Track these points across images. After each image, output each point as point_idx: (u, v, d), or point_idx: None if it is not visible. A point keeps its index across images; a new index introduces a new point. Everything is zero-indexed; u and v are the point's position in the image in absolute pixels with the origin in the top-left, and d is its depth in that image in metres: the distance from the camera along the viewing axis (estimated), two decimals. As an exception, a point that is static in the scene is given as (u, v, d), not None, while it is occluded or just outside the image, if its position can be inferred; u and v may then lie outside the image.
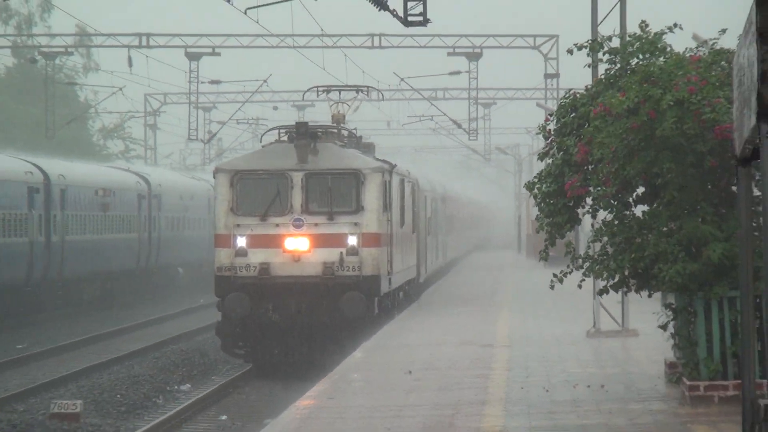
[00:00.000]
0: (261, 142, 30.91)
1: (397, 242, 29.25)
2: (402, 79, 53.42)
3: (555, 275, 16.80)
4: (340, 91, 31.71)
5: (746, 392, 5.73)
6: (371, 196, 25.31)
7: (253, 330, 24.66)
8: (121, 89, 57.99)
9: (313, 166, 25.10)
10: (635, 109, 14.34)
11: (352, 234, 24.88)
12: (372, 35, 48.20)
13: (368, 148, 30.37)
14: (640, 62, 15.79)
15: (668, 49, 15.95)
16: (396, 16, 23.87)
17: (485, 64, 53.89)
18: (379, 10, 23.79)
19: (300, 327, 24.42)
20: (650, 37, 16.05)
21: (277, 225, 24.91)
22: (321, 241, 24.82)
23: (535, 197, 16.86)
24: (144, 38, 49.46)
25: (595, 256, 16.26)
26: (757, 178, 7.47)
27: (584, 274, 16.79)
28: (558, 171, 16.19)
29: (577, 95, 16.90)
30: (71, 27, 60.01)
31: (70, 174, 42.85)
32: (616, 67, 16.46)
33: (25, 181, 38.50)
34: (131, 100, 62.88)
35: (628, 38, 16.83)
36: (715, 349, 14.96)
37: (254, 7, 29.37)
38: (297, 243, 24.76)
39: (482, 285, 44.93)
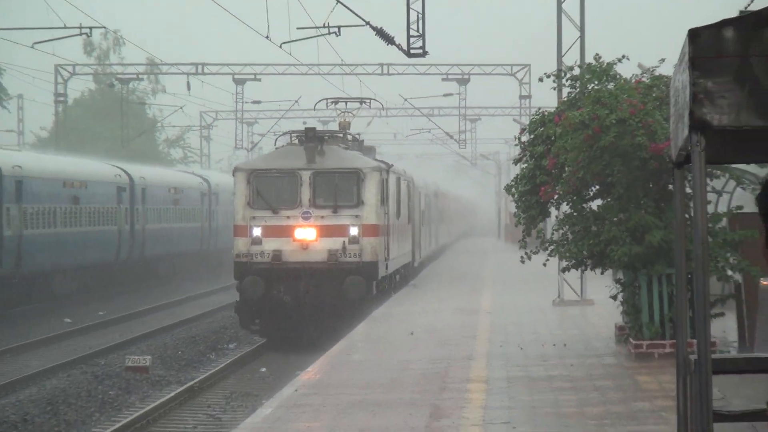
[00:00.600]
0: (275, 145, 29.94)
1: (393, 232, 27.99)
2: (405, 100, 53.21)
3: (525, 253, 16.89)
4: (346, 102, 30.42)
5: (680, 350, 5.68)
6: (370, 192, 24.02)
7: (266, 309, 23.24)
8: (181, 107, 57.82)
9: (319, 166, 23.82)
10: (586, 123, 14.34)
11: (353, 225, 23.64)
12: (382, 64, 47.76)
13: (369, 151, 29.17)
14: (595, 87, 15.71)
15: (617, 76, 15.87)
16: (401, 49, 23.90)
17: (472, 87, 53.57)
18: (388, 44, 23.85)
19: (308, 306, 23.17)
20: (603, 67, 15.98)
21: (288, 217, 23.51)
22: (326, 232, 23.53)
23: (513, 196, 16.89)
24: (200, 67, 49.40)
25: (560, 241, 16.28)
26: (689, 178, 7.42)
27: (550, 255, 16.87)
28: (531, 174, 16.23)
29: (545, 113, 16.93)
30: (142, 58, 59.98)
31: (148, 176, 43.28)
32: (576, 91, 16.44)
33: (114, 182, 38.93)
34: (189, 116, 62.79)
35: (585, 67, 16.89)
36: (655, 315, 14.96)
37: (288, 42, 29.18)
38: (305, 233, 23.51)
39: (469, 266, 44.27)
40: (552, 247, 16.38)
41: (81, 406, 17.14)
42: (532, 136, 16.60)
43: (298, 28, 27.74)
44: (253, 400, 16.89)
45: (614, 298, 16.31)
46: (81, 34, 32.01)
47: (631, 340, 15.38)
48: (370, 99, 31.05)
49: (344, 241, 23.33)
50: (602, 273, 17.36)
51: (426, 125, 60.50)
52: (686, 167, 5.58)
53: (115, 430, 14.86)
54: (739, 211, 14.89)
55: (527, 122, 21.99)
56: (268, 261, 23.03)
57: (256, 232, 23.25)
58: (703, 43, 4.66)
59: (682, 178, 5.93)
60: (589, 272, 18.76)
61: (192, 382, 18.96)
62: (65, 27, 30.13)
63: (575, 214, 15.87)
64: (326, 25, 26.29)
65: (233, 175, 24.43)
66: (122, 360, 21.22)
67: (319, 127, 34.62)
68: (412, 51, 23.92)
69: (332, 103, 30.38)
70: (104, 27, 36.28)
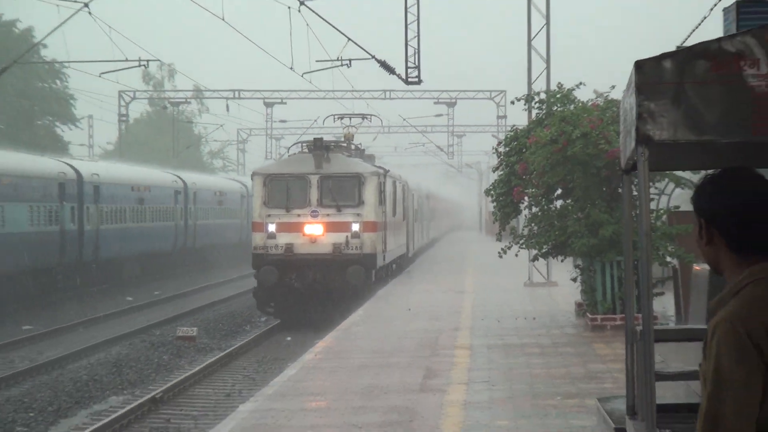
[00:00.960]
0: (288, 152, 28.39)
1: (390, 228, 26.50)
2: (404, 119, 52.88)
3: (502, 248, 16.89)
4: (350, 117, 28.80)
5: (628, 322, 5.55)
6: (369, 193, 22.68)
7: (280, 294, 21.86)
8: (221, 125, 57.46)
9: (326, 171, 22.43)
10: (555, 139, 14.24)
11: (355, 222, 22.26)
12: (384, 90, 47.50)
13: (370, 158, 27.80)
14: (558, 109, 15.62)
15: (576, 99, 15.79)
16: (401, 78, 23.59)
17: (458, 109, 53.14)
18: (390, 74, 23.55)
19: (316, 292, 22.01)
20: (564, 92, 15.93)
21: (299, 215, 22.04)
22: (331, 227, 22.08)
23: (491, 197, 16.81)
24: (236, 92, 49.13)
25: (528, 236, 16.20)
26: (635, 182, 7.34)
27: (520, 247, 16.84)
28: (506, 179, 16.13)
29: (518, 130, 16.89)
30: (190, 84, 59.53)
31: (198, 182, 43.00)
32: (543, 112, 16.36)
33: (172, 186, 38.69)
34: (228, 132, 62.22)
35: (550, 93, 16.81)
36: (608, 294, 14.84)
37: (308, 72, 28.77)
38: (313, 229, 22.08)
39: (455, 254, 43.54)
40: (522, 241, 16.37)
41: (140, 368, 17.09)
42: (507, 149, 16.53)
43: (317, 61, 27.44)
44: (281, 364, 16.70)
45: (574, 280, 16.25)
46: (140, 65, 31.75)
47: (588, 314, 15.27)
48: (371, 115, 29.61)
49: (347, 236, 22.06)
50: (562, 261, 17.35)
51: (420, 140, 60.08)
52: (633, 174, 5.43)
53: (168, 387, 14.76)
54: (676, 209, 14.84)
55: (503, 137, 21.87)
56: (281, 253, 21.69)
57: (271, 227, 21.88)
58: (647, 73, 4.46)
59: (629, 183, 5.78)
60: (553, 259, 18.76)
61: (230, 349, 18.84)
62: (127, 60, 29.92)
63: (540, 213, 15.85)
64: (339, 58, 25.95)
65: (251, 178, 23.12)
66: (173, 331, 21.11)
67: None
68: (409, 80, 23.62)
69: (338, 118, 28.98)
70: (159, 60, 35.95)
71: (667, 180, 15.19)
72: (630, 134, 4.65)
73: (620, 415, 5.38)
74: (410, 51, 23.34)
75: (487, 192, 17.51)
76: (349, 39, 23.33)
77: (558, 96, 15.94)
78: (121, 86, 43.21)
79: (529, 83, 22.47)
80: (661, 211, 15.02)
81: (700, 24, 17.00)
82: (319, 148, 22.62)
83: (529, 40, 23.18)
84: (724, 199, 2.63)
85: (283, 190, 22.20)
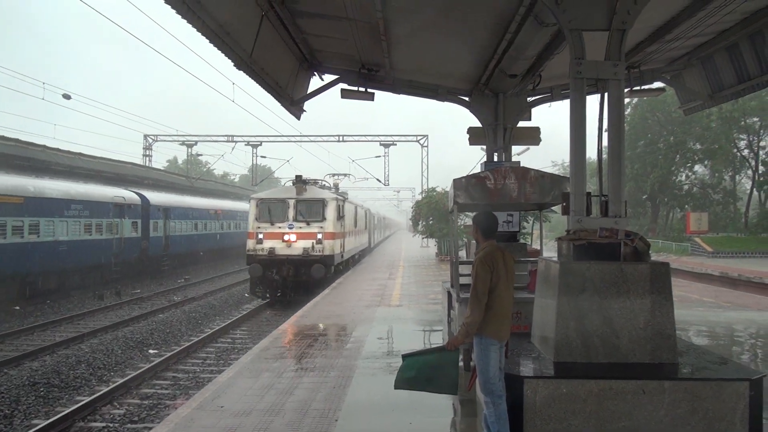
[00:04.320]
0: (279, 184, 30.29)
1: (349, 235, 27.42)
2: (353, 161, 52.52)
3: (413, 236, 30.21)
4: (337, 175, 33.54)
5: (452, 259, 9.32)
6: (330, 212, 23.08)
7: (265, 283, 22.35)
8: (222, 155, 57.48)
9: (300, 197, 23.13)
10: (428, 203, 27.00)
11: (319, 233, 22.66)
12: (339, 135, 47.33)
13: (342, 194, 28.21)
14: (430, 193, 30.91)
15: (434, 192, 31.70)
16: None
17: (393, 150, 56.85)
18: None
19: (290, 283, 22.43)
20: (430, 191, 31.39)
21: (280, 227, 22.60)
22: (303, 236, 22.62)
23: (411, 218, 28.58)
24: (231, 137, 49.04)
25: (422, 231, 30.84)
26: (454, 215, 9.31)
27: (423, 237, 30.93)
28: (416, 213, 29.38)
29: (419, 201, 33.90)
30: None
31: (224, 206, 43.72)
32: (426, 195, 30.98)
33: (212, 207, 40.72)
34: (227, 162, 62.85)
35: (429, 190, 34.94)
36: (444, 249, 32.85)
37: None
38: (290, 237, 22.52)
39: (395, 247, 51.88)
40: (419, 233, 30.61)
41: (206, 316, 19.88)
42: (415, 204, 31.46)
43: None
44: (270, 327, 17.49)
45: (439, 249, 29.41)
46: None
47: (439, 255, 30.06)
48: (348, 174, 36.17)
49: (313, 242, 22.54)
50: (433, 239, 33.57)
51: (366, 174, 64.18)
52: (454, 211, 8.92)
53: (206, 336, 16.24)
54: (468, 225, 16.58)
55: (429, 174, 35.37)
56: (266, 254, 22.19)
57: (260, 235, 22.47)
58: (456, 181, 8.25)
59: (456, 216, 9.09)
60: (428, 238, 34.76)
61: (233, 319, 19.21)
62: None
63: (425, 225, 30.82)
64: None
65: (249, 202, 23.69)
66: (210, 301, 23.15)
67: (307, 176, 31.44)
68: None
69: (332, 176, 32.73)
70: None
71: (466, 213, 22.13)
72: (452, 200, 8.57)
73: (448, 288, 9.85)
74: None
75: (412, 218, 29.93)
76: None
77: (432, 193, 33.83)
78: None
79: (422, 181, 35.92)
80: (463, 229, 19.22)
81: (474, 167, 29.17)
82: (299, 182, 23.87)
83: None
84: (480, 217, 5.91)
85: (269, 209, 22.88)
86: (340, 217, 24.62)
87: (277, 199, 23.12)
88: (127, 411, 10.67)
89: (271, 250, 22.26)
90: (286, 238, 22.50)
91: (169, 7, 8.04)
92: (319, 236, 22.58)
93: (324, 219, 22.94)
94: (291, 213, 22.85)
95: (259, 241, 22.43)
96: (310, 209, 23.03)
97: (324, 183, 27.35)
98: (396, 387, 5.90)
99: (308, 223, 22.77)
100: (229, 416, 7.55)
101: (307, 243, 22.53)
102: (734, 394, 5.62)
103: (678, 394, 5.64)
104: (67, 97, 33.41)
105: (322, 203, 23.18)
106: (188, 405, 8.08)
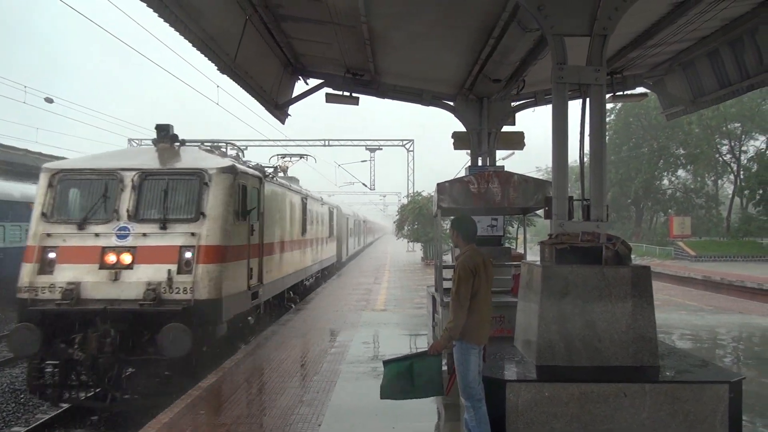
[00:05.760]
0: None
1: (287, 249, 18.15)
2: (339, 165, 52.84)
3: (398, 239, 28.57)
4: (290, 156, 22.62)
5: (436, 263, 10.27)
6: (217, 200, 10.71)
7: (61, 366, 10.45)
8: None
9: (154, 167, 11.19)
10: (414, 208, 24.64)
11: (187, 246, 9.86)
12: (325, 140, 48.32)
13: (294, 180, 20.96)
14: (416, 197, 28.39)
15: (420, 196, 29.76)
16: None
17: (380, 154, 57.26)
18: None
19: (111, 366, 11.06)
20: (416, 196, 28.16)
21: (97, 235, 10.36)
22: (149, 256, 10.31)
23: (396, 223, 28.34)
24: (214, 142, 51.60)
25: (407, 235, 28.34)
26: (439, 218, 9.49)
27: (408, 241, 29.81)
28: (401, 218, 27.29)
29: (404, 205, 30.97)
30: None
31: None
32: (411, 199, 27.82)
33: None
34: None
35: (415, 193, 33.26)
36: (430, 253, 31.76)
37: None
38: (118, 256, 10.14)
39: (380, 252, 50.76)
40: (404, 237, 29.04)
41: None
42: (401, 209, 27.96)
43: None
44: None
45: (425, 253, 28.49)
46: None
47: (425, 259, 29.30)
48: (307, 155, 24.01)
49: (170, 269, 8.46)
50: (419, 243, 30.76)
51: (352, 179, 64.31)
52: (438, 215, 9.07)
53: None
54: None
55: (414, 178, 33.66)
56: (58, 298, 10.34)
57: (50, 254, 10.54)
58: (439, 186, 8.40)
59: (439, 219, 9.26)
60: (414, 242, 34.55)
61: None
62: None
63: (409, 229, 28.07)
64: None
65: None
66: None
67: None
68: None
69: (281, 157, 23.15)
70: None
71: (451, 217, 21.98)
72: (436, 204, 8.75)
73: (433, 292, 10.12)
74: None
75: (397, 225, 28.80)
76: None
77: (417, 197, 31.83)
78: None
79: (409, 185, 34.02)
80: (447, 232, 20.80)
81: (459, 171, 28.67)
82: (164, 138, 12.13)
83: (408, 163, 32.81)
84: (459, 221, 6.00)
85: (77, 196, 8.86)
86: (257, 213, 13.07)
87: (100, 171, 11.27)
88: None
89: (72, 290, 10.29)
90: (109, 259, 10.64)
91: (151, 10, 7.99)
92: (188, 255, 10.67)
93: (202, 216, 10.92)
94: (126, 202, 11.05)
95: (48, 268, 10.63)
96: (174, 194, 11.12)
97: (225, 150, 14.48)
98: (382, 397, 5.90)
99: (164, 225, 10.86)
100: (207, 422, 7.47)
101: (156, 271, 10.54)
102: (714, 397, 5.68)
103: (659, 396, 5.69)
104: (49, 100, 33.12)
105: (199, 180, 11.13)
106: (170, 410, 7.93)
